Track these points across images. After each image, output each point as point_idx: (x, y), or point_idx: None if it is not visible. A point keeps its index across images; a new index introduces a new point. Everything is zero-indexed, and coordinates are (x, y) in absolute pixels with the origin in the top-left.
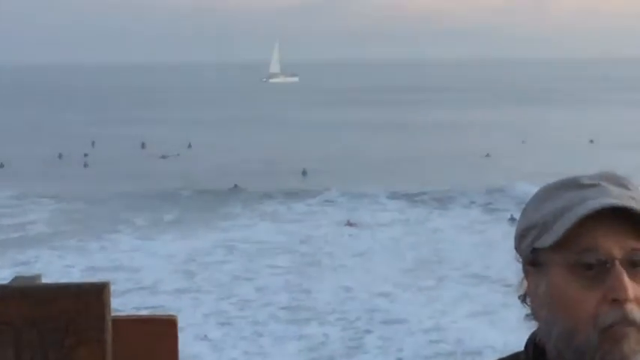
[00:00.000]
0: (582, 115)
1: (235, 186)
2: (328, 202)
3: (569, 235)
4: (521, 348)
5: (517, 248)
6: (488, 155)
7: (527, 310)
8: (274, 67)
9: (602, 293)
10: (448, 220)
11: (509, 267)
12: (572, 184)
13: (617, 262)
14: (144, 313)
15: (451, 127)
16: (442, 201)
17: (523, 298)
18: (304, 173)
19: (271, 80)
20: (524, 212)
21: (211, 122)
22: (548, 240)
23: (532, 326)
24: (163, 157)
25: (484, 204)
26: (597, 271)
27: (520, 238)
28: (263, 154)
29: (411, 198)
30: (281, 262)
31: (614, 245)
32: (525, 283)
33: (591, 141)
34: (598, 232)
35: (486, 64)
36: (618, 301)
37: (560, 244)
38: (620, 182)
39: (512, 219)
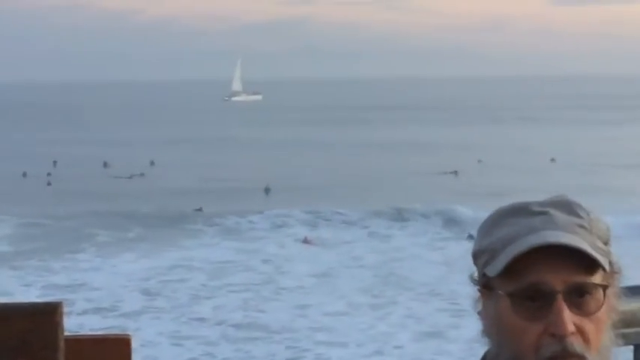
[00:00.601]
0: (544, 133)
1: (200, 209)
2: (291, 220)
3: (512, 266)
4: None
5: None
6: (456, 172)
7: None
8: (236, 86)
9: (544, 326)
10: (408, 238)
11: (464, 286)
12: (522, 211)
13: (559, 297)
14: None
15: (412, 145)
16: (402, 219)
17: (480, 316)
18: (267, 191)
19: (234, 99)
20: (477, 235)
21: (174, 141)
22: (494, 269)
23: (485, 343)
24: (125, 176)
25: (444, 221)
26: (540, 303)
27: (473, 260)
28: (226, 173)
29: (373, 215)
30: (240, 281)
31: (556, 279)
32: (480, 301)
33: (552, 159)
34: (541, 265)
35: (449, 82)
36: (563, 335)
37: (505, 275)
38: (570, 209)
39: (470, 236)
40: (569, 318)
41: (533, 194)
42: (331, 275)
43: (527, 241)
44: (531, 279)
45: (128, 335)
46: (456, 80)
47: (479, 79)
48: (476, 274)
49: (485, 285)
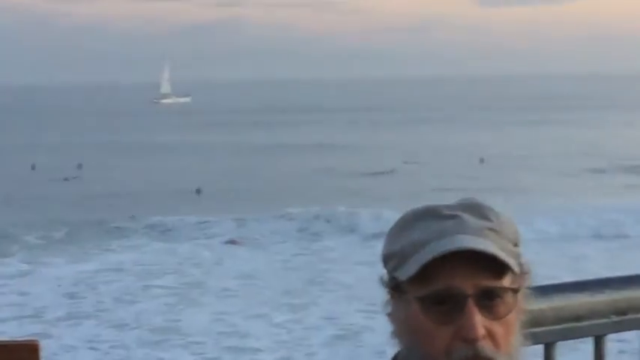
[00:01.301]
0: (472, 134)
1: (133, 216)
2: (221, 222)
3: (423, 270)
4: None
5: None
6: (392, 171)
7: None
8: (165, 88)
9: (455, 330)
10: (338, 239)
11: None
12: (433, 214)
13: (469, 301)
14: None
15: (340, 147)
16: (332, 220)
17: (389, 318)
18: (198, 192)
19: (163, 101)
20: (387, 238)
21: (102, 144)
22: (405, 273)
23: (395, 345)
24: (55, 179)
25: (372, 220)
26: (451, 307)
27: (383, 263)
28: (155, 176)
29: (303, 216)
30: (167, 284)
31: (467, 283)
32: (390, 303)
33: (482, 160)
34: (451, 269)
35: (375, 83)
36: (474, 339)
37: (416, 279)
38: (480, 213)
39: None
40: (480, 322)
41: (463, 194)
42: (257, 277)
43: (439, 245)
44: (442, 283)
45: (35, 341)
46: (383, 81)
47: (409, 79)
48: (386, 277)
49: (395, 288)
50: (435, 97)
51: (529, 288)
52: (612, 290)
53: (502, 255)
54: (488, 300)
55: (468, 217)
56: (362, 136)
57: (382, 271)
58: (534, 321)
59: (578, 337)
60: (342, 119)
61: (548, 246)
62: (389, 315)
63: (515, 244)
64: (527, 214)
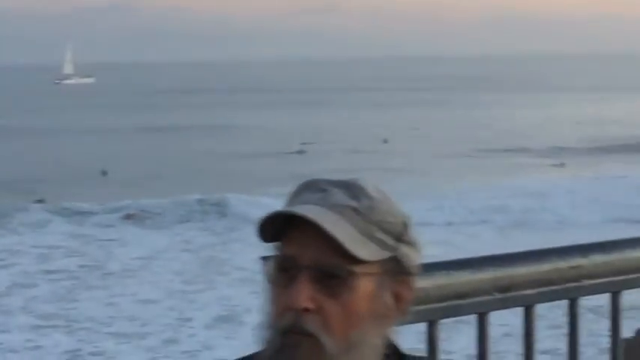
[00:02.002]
0: (375, 114)
1: (39, 200)
2: (125, 203)
3: (278, 238)
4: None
5: None
6: (301, 151)
7: None
8: (68, 69)
9: (287, 297)
10: (237, 222)
11: None
12: (309, 187)
13: (303, 272)
14: None
15: (243, 128)
16: (227, 205)
17: None
18: (104, 173)
19: (65, 82)
20: None
21: (3, 128)
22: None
23: None
24: None
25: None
26: (289, 274)
27: None
28: (59, 158)
29: (202, 200)
30: (67, 267)
31: (306, 255)
32: None
33: (385, 140)
34: (298, 239)
35: (279, 64)
36: (294, 309)
37: (277, 246)
38: (352, 192)
39: None
40: (304, 293)
41: (361, 175)
42: (157, 258)
43: (279, 211)
44: (285, 251)
45: None
46: (287, 62)
47: (313, 61)
48: None
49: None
50: (342, 78)
51: (410, 284)
52: (495, 268)
53: (336, 230)
54: (328, 277)
55: (335, 192)
56: (261, 118)
57: None
58: (417, 299)
59: (461, 315)
60: (239, 101)
61: (448, 228)
62: None
63: (397, 237)
64: (432, 195)
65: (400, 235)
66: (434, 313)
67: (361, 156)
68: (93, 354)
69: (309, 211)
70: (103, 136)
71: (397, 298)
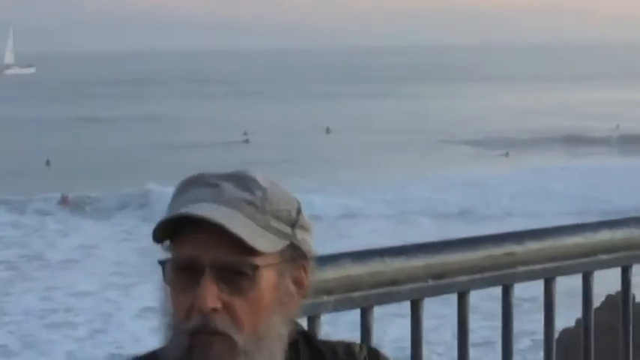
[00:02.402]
0: (318, 105)
1: None
2: (72, 194)
3: (174, 238)
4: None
5: None
6: (246, 140)
7: None
8: (9, 58)
9: (192, 299)
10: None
11: None
12: (196, 182)
13: (206, 272)
14: None
15: (178, 119)
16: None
17: None
18: (48, 163)
19: (6, 72)
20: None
21: None
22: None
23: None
24: None
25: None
26: (190, 275)
27: None
28: (2, 148)
29: (141, 191)
30: (7, 258)
31: (207, 254)
32: None
33: (327, 130)
34: (195, 238)
35: (209, 54)
36: (202, 310)
37: (172, 246)
38: (243, 184)
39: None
40: (211, 294)
41: (305, 164)
42: (97, 248)
43: (175, 212)
44: (184, 252)
45: None
46: (226, 52)
47: (254, 50)
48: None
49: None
50: (266, 69)
51: (308, 269)
52: (429, 254)
53: (236, 227)
54: (231, 274)
55: (227, 187)
56: (201, 109)
57: None
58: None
59: (395, 301)
60: (179, 91)
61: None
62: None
63: (291, 224)
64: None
65: (295, 221)
66: (368, 299)
67: (304, 145)
68: (23, 346)
69: (208, 210)
70: (45, 126)
71: (298, 283)
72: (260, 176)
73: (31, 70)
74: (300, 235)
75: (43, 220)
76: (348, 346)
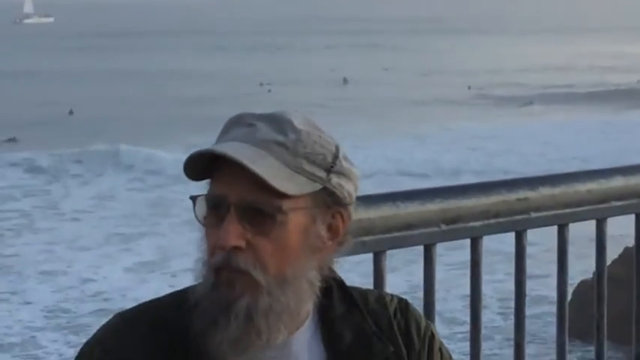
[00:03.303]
0: (331, 57)
1: (11, 139)
2: (95, 143)
3: (209, 176)
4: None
5: None
6: (269, 91)
7: None
8: (28, 7)
9: (218, 235)
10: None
11: None
12: (236, 122)
13: (231, 210)
14: None
15: (195, 74)
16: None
17: None
18: (71, 112)
19: (25, 21)
20: None
21: None
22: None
23: None
24: None
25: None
26: (219, 213)
27: None
28: (29, 100)
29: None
30: (21, 207)
31: (233, 192)
32: None
33: (345, 80)
34: (225, 176)
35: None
36: (224, 247)
37: (207, 184)
38: (278, 126)
39: None
40: (234, 232)
41: (327, 115)
42: (112, 199)
43: (206, 149)
44: (213, 189)
45: None
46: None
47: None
48: None
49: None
50: (276, 20)
51: (346, 216)
52: (442, 199)
53: (259, 168)
54: (256, 215)
55: (261, 127)
56: (216, 62)
57: None
58: (364, 230)
59: (407, 246)
60: (192, 43)
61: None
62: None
63: (327, 169)
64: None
65: (330, 165)
66: (380, 244)
67: (322, 95)
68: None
69: (233, 148)
70: (67, 77)
71: (331, 230)
72: (298, 119)
73: (50, 19)
74: (335, 180)
75: (65, 170)
76: (379, 295)
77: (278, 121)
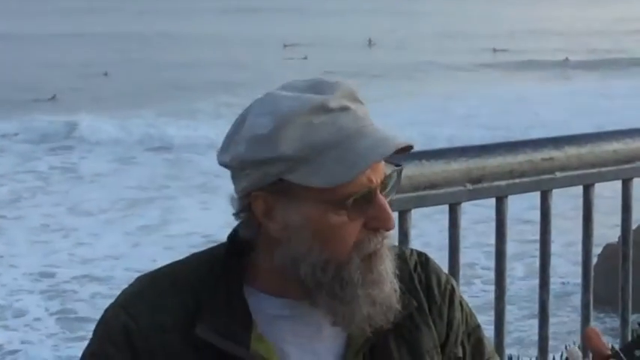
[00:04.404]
0: (359, 19)
1: (52, 98)
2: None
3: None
4: None
5: (233, 165)
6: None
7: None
8: None
9: (364, 222)
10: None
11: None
12: (320, 109)
13: (377, 192)
14: None
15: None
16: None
17: (244, 217)
18: (106, 74)
19: None
20: (252, 139)
21: None
22: (314, 181)
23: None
24: None
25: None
26: (360, 201)
27: (253, 163)
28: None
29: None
30: (38, 168)
31: (374, 175)
32: (263, 205)
33: (370, 42)
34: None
35: None
36: (378, 229)
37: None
38: (356, 98)
39: None
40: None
41: (356, 77)
42: (133, 161)
43: (365, 148)
44: (356, 183)
45: None
46: None
47: None
48: (256, 181)
49: (280, 190)
50: None
51: None
52: (467, 158)
53: (411, 141)
54: (385, 185)
55: (356, 107)
56: (240, 24)
57: (241, 177)
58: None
59: (433, 205)
60: (214, 7)
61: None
62: (265, 219)
63: None
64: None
65: None
66: (405, 203)
67: (349, 57)
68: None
69: (392, 138)
70: (97, 40)
71: None
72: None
73: None
74: None
75: (93, 129)
76: (399, 250)
77: (352, 94)
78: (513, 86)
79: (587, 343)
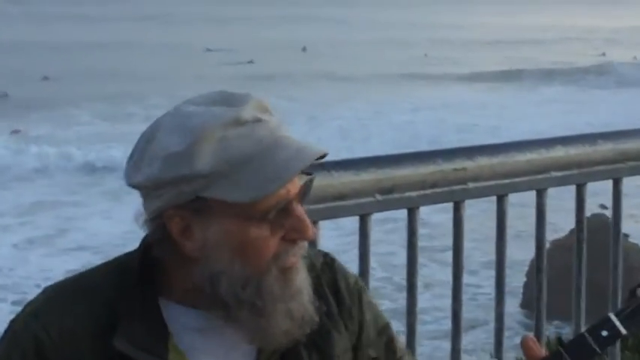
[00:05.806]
0: (291, 27)
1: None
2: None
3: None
4: None
5: (147, 185)
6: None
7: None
8: None
9: (283, 234)
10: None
11: None
12: (234, 122)
13: (294, 202)
14: None
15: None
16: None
17: (157, 237)
18: (304, 50)
19: None
20: (167, 159)
21: None
22: (235, 196)
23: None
24: None
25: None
26: (278, 213)
27: (168, 182)
28: None
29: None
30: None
31: (291, 185)
32: (159, 221)
33: (304, 49)
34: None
35: None
36: (296, 240)
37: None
38: (267, 109)
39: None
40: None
41: (290, 82)
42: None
43: (282, 160)
44: (278, 191)
45: None
46: None
47: None
48: (171, 200)
49: (197, 208)
50: None
51: None
52: (377, 169)
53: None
54: (302, 195)
55: (269, 119)
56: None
57: (149, 197)
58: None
59: (342, 216)
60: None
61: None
62: (182, 238)
63: None
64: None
65: None
66: (313, 214)
67: (284, 64)
68: None
69: (311, 148)
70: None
71: None
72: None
73: None
74: None
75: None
76: (306, 253)
77: (263, 105)
78: (444, 93)
79: (527, 352)
